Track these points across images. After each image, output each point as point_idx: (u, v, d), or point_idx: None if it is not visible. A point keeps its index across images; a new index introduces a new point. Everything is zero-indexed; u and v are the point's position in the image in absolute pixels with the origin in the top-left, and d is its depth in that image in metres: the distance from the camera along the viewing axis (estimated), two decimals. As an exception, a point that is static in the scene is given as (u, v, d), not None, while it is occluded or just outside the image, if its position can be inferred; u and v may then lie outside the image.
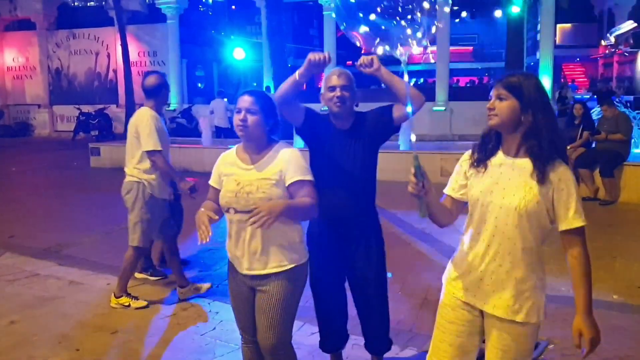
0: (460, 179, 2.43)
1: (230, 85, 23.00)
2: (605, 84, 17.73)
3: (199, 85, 24.13)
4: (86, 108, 21.80)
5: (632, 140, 8.87)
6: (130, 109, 21.40)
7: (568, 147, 8.96)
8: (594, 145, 8.93)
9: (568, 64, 27.28)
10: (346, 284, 3.42)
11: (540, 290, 2.30)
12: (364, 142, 3.18)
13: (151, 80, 4.83)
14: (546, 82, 17.37)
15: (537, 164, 2.20)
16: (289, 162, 2.82)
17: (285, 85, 3.05)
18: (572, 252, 2.25)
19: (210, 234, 2.65)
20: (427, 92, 13.93)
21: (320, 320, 3.48)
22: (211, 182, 3.00)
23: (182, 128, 18.64)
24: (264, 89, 18.62)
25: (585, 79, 26.07)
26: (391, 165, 8.67)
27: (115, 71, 23.86)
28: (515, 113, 2.23)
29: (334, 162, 3.13)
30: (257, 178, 2.80)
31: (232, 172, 2.88)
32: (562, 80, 23.16)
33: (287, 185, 2.80)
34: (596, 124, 8.93)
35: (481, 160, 2.35)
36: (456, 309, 2.41)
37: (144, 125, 4.71)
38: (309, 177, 2.84)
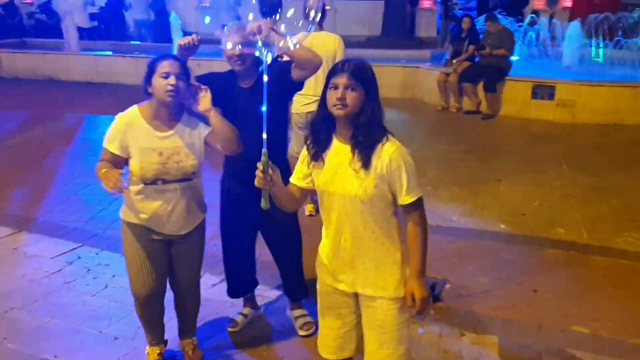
0: (304, 169, 2.45)
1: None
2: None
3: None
4: None
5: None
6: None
7: (454, 61, 9.10)
8: (477, 59, 9.10)
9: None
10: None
11: (402, 264, 2.40)
12: (268, 98, 3.04)
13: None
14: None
15: (363, 152, 2.25)
16: (199, 121, 2.94)
17: None
18: (410, 222, 2.36)
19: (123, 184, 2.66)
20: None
21: (230, 270, 3.61)
22: (109, 146, 2.85)
23: (42, 25, 16.71)
24: None
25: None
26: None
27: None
28: (362, 103, 2.25)
29: (240, 121, 3.06)
30: (182, 144, 2.85)
31: (149, 143, 2.82)
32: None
33: (204, 138, 2.93)
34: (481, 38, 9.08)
35: (318, 154, 2.37)
36: (330, 294, 2.51)
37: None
38: None
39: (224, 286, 3.96)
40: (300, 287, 3.65)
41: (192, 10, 17.29)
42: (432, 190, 5.83)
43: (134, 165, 2.84)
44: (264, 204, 2.31)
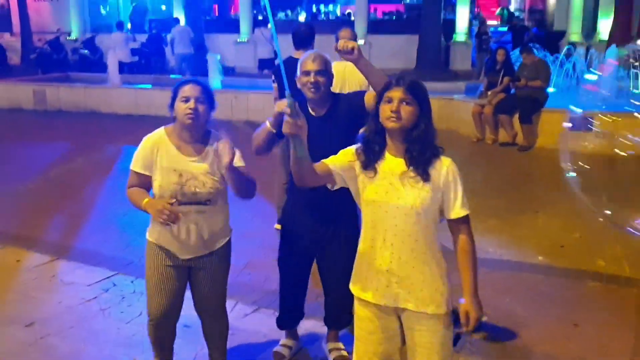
0: (346, 160, 2.44)
1: (136, 13, 21.49)
2: (518, 19, 18.01)
3: (102, 11, 22.40)
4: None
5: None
6: (26, 38, 19.71)
7: (489, 93, 9.06)
8: (513, 91, 9.05)
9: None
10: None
11: (445, 280, 2.40)
12: (340, 128, 3.14)
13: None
14: (464, 14, 17.33)
15: (420, 165, 2.29)
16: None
17: (259, 138, 3.11)
18: (459, 238, 2.37)
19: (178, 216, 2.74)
20: (342, 24, 13.60)
21: (284, 298, 3.56)
22: (134, 166, 2.92)
23: (85, 60, 17.40)
24: (116, 26, 17.08)
25: (497, 8, 26.41)
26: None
27: (6, -5, 21.73)
28: (416, 118, 2.28)
29: (311, 149, 3.01)
30: (203, 172, 2.86)
31: (171, 164, 2.86)
32: (476, 10, 23.22)
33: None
34: (516, 70, 9.03)
35: (370, 163, 2.38)
36: (373, 319, 2.47)
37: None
38: (244, 164, 2.92)
39: (256, 316, 3.95)
40: (340, 318, 3.53)
41: (229, 45, 17.75)
42: (468, 221, 5.74)
43: (155, 183, 2.89)
44: (300, 152, 2.31)
